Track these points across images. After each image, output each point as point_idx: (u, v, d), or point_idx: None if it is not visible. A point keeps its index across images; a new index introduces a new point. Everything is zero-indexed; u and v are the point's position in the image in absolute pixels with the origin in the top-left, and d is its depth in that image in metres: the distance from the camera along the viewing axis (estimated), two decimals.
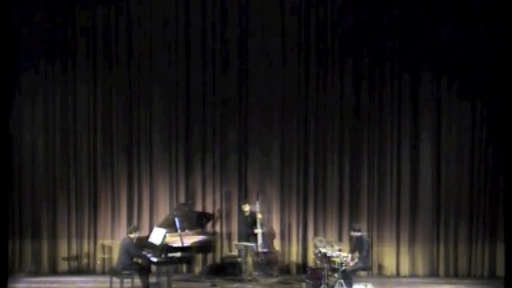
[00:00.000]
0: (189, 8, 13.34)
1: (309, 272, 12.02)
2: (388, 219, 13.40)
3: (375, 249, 13.25)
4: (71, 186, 13.38)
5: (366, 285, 11.91)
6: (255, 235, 12.91)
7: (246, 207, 13.05)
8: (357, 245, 11.91)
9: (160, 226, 12.26)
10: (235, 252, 13.22)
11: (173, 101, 13.43)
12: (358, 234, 11.96)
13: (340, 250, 11.70)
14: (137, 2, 13.33)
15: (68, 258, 13.37)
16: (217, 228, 13.48)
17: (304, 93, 13.42)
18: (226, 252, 13.46)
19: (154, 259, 11.76)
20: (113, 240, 13.26)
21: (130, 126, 13.43)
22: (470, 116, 13.33)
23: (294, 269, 13.42)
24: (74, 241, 13.38)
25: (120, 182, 13.43)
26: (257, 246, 12.83)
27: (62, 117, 13.36)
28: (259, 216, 12.95)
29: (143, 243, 11.95)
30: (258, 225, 12.91)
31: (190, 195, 13.46)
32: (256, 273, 12.90)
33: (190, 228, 12.72)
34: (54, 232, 13.35)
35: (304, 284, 12.22)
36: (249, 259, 12.94)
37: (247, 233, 13.00)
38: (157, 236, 11.86)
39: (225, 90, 13.43)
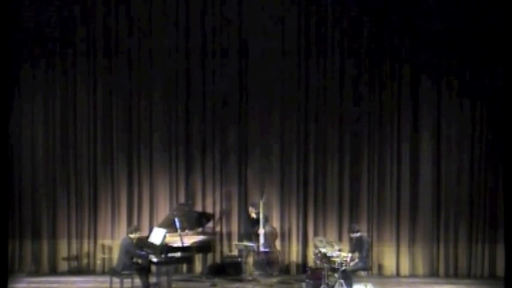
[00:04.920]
0: (189, 8, 13.33)
1: (309, 272, 12.02)
2: (388, 219, 13.40)
3: (375, 249, 13.26)
4: (71, 186, 13.37)
5: (366, 285, 11.90)
6: (258, 235, 12.91)
7: (253, 211, 13.06)
8: (357, 245, 11.92)
9: (160, 226, 12.27)
10: (235, 252, 13.23)
11: (173, 101, 13.42)
12: (358, 234, 11.97)
13: (340, 250, 11.70)
14: (138, 2, 13.33)
15: (68, 258, 13.37)
16: (217, 228, 13.48)
17: (304, 93, 13.42)
18: (226, 252, 13.46)
19: (154, 259, 11.77)
20: (113, 240, 13.26)
21: (130, 126, 13.43)
22: (470, 116, 13.34)
23: (294, 269, 13.42)
24: (74, 241, 13.37)
25: (120, 182, 13.42)
26: (258, 246, 12.83)
27: (62, 117, 13.35)
28: (262, 216, 12.95)
29: (143, 243, 11.95)
30: (261, 224, 12.91)
31: (190, 195, 13.45)
32: (256, 273, 12.90)
33: (190, 228, 12.73)
34: (54, 232, 13.34)
35: (304, 284, 12.22)
36: (250, 259, 12.95)
37: (251, 232, 13.01)
38: (157, 236, 11.87)
39: (225, 90, 13.43)
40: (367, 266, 12.19)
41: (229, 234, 13.51)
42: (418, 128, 13.39)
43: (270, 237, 13.06)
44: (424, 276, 13.34)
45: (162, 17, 13.32)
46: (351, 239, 12.24)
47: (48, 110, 13.34)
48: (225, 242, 13.50)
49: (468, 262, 13.36)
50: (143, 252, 11.80)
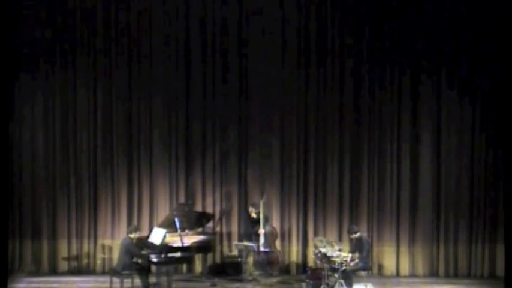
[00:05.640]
0: (190, 8, 13.33)
1: (309, 272, 12.02)
2: (388, 219, 13.40)
3: (375, 249, 13.25)
4: (71, 186, 13.36)
5: (366, 285, 11.90)
6: (259, 235, 12.91)
7: (253, 210, 13.06)
8: (357, 245, 11.92)
9: (160, 226, 12.27)
10: (235, 252, 13.22)
11: (173, 101, 13.43)
12: (357, 235, 11.97)
13: (340, 250, 11.71)
14: (138, 3, 13.32)
15: (68, 258, 13.37)
16: (217, 228, 13.47)
17: (304, 93, 13.42)
18: (226, 252, 13.46)
19: (154, 259, 11.77)
20: (113, 240, 13.26)
21: (130, 126, 13.43)
22: (470, 116, 13.33)
23: (294, 269, 13.42)
24: (74, 241, 13.36)
25: (120, 182, 13.42)
26: (258, 246, 12.84)
27: (62, 117, 13.35)
28: (262, 216, 12.95)
29: (143, 243, 11.96)
30: (261, 224, 12.91)
31: (190, 195, 13.46)
32: (256, 273, 12.90)
33: (190, 228, 12.73)
34: (54, 232, 13.33)
35: (304, 284, 12.23)
36: (250, 259, 12.94)
37: (251, 232, 13.01)
38: (157, 236, 11.87)
39: (225, 90, 13.43)
40: (367, 266, 12.19)
41: (229, 234, 13.51)
42: (418, 128, 13.39)
43: (270, 237, 13.05)
44: (424, 276, 13.34)
45: (162, 18, 13.31)
46: (350, 239, 12.24)
47: (48, 110, 13.34)
48: (225, 242, 13.49)
49: (468, 262, 13.36)
50: (143, 252, 11.80)
